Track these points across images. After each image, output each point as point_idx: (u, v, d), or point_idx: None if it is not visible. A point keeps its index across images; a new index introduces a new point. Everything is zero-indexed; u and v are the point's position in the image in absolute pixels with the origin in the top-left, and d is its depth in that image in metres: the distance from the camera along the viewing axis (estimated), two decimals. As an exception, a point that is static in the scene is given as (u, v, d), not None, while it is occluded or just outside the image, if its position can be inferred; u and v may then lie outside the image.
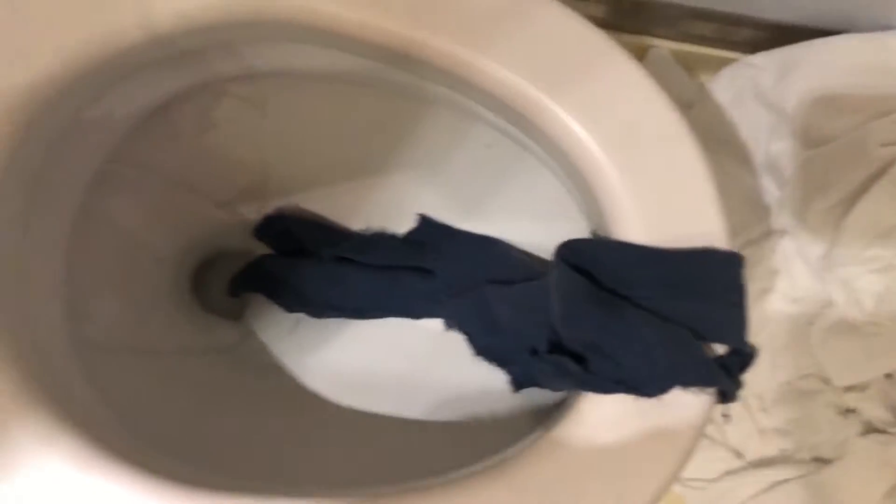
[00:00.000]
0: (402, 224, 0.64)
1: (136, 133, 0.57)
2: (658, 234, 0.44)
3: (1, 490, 0.39)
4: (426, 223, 0.63)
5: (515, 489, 0.41)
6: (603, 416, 0.43)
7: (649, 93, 0.45)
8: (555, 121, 0.45)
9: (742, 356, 0.44)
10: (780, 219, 0.84)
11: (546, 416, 0.49)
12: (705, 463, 0.85)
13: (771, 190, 0.86)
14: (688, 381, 0.42)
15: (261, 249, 0.68)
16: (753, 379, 0.84)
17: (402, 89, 0.54)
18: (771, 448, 0.85)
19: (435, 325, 0.63)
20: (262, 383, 0.63)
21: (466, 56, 0.45)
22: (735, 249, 0.45)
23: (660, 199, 0.44)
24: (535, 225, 0.60)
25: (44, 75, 0.42)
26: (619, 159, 0.44)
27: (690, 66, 0.89)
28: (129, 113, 0.54)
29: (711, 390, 0.43)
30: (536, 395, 0.55)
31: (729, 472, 0.85)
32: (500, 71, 0.45)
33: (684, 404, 0.43)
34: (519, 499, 0.41)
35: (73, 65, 0.42)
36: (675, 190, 0.44)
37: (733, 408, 0.85)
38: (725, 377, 0.42)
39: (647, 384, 0.42)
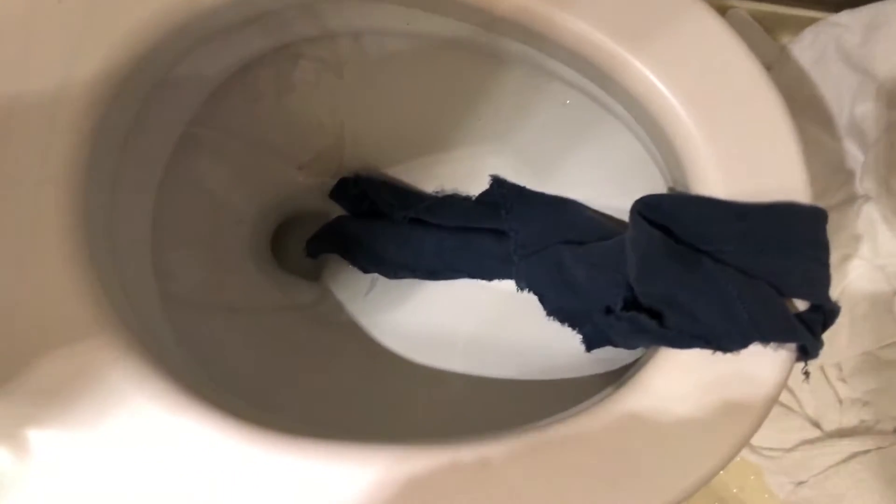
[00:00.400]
0: (476, 186, 0.65)
1: (218, 96, 0.59)
2: (739, 189, 0.43)
3: (97, 429, 0.41)
4: (499, 184, 0.63)
5: (578, 445, 0.42)
6: (677, 376, 0.43)
7: (731, 47, 0.44)
8: (635, 75, 0.44)
9: (824, 313, 0.43)
10: (864, 183, 0.82)
11: (616, 377, 0.49)
12: (781, 433, 0.83)
13: (854, 154, 0.83)
14: (769, 336, 0.41)
15: (337, 211, 0.69)
16: (833, 348, 0.82)
17: (478, 48, 0.54)
18: (850, 418, 0.83)
19: (506, 286, 0.64)
20: (337, 340, 0.65)
21: (545, 10, 0.45)
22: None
23: (741, 154, 0.43)
24: (611, 187, 0.60)
25: (139, 32, 0.43)
26: (699, 114, 0.44)
27: (771, 26, 0.87)
28: (213, 75, 0.55)
29: (792, 346, 0.42)
30: (607, 357, 0.55)
31: (805, 442, 0.83)
32: (578, 25, 0.44)
33: (763, 362, 0.42)
34: (581, 455, 0.41)
35: (163, 21, 0.44)
36: (756, 144, 0.43)
37: (812, 377, 0.84)
38: (807, 333, 0.41)
39: (727, 339, 0.41)
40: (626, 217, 0.47)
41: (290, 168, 0.66)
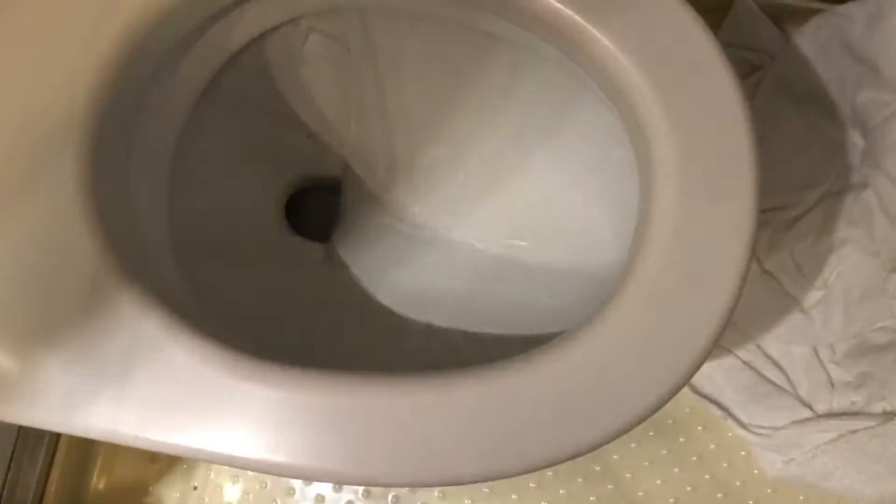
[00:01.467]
0: (474, 150, 0.69)
1: (233, 64, 0.64)
2: (687, 155, 0.47)
3: (100, 350, 0.46)
4: None
5: (529, 378, 0.46)
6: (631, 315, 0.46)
7: (685, 20, 0.48)
8: (601, 48, 0.49)
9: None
10: (863, 169, 0.84)
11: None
12: (773, 411, 0.86)
13: (856, 142, 0.85)
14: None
15: (347, 176, 0.74)
16: (827, 330, 0.84)
17: (469, 26, 0.59)
18: (841, 401, 0.85)
19: (497, 248, 0.68)
20: (340, 296, 0.70)
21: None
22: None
23: (692, 120, 0.47)
24: (594, 152, 0.63)
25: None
26: (656, 82, 0.48)
27: (778, 17, 0.89)
28: (230, 42, 0.61)
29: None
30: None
31: (796, 422, 0.85)
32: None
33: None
34: (530, 386, 0.45)
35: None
36: (707, 112, 0.47)
37: (805, 359, 0.86)
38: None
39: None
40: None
41: (300, 136, 0.72)
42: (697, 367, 0.45)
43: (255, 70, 0.66)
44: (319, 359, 0.63)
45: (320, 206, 0.79)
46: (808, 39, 0.87)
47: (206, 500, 0.91)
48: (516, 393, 0.45)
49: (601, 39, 0.48)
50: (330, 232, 0.76)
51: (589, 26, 0.48)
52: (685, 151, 0.47)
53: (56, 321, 0.48)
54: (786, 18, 0.89)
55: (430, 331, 0.64)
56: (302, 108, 0.70)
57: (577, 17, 0.49)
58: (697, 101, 0.47)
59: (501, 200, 0.69)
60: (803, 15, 0.87)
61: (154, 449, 0.46)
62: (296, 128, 0.71)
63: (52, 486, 0.85)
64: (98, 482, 0.90)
